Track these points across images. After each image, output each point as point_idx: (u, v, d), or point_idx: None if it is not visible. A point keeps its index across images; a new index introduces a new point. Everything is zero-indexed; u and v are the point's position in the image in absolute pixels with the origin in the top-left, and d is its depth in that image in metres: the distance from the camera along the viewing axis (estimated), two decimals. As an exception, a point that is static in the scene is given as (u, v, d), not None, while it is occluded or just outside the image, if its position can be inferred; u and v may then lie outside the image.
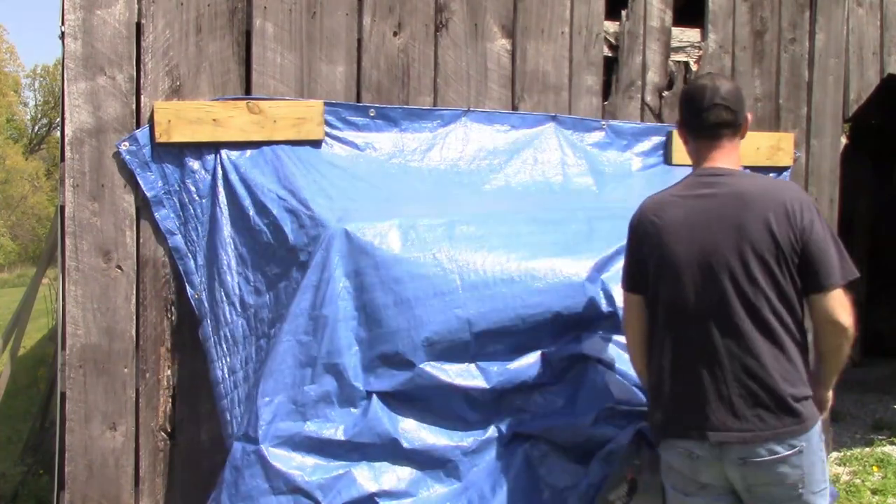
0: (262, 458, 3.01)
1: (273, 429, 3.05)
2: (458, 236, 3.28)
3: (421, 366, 3.10)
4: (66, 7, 3.33)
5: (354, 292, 3.16)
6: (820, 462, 2.55)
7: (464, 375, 3.16)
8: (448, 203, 3.49)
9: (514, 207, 3.59)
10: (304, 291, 3.17)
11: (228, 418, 3.28)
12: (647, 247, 2.65)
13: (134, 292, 3.45)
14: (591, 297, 3.30)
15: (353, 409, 3.08)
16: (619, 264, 3.13)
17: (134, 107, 3.43)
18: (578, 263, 3.34)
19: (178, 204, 3.45)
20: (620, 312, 3.08)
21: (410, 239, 3.23)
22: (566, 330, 3.30)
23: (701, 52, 4.36)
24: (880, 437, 6.57)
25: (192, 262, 3.45)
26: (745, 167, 4.30)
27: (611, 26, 4.21)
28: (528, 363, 3.25)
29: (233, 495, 3.07)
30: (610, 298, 3.30)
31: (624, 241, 2.87)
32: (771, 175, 4.39)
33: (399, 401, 3.15)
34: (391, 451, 3.12)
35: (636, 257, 2.71)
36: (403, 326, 3.11)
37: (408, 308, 3.14)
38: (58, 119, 30.33)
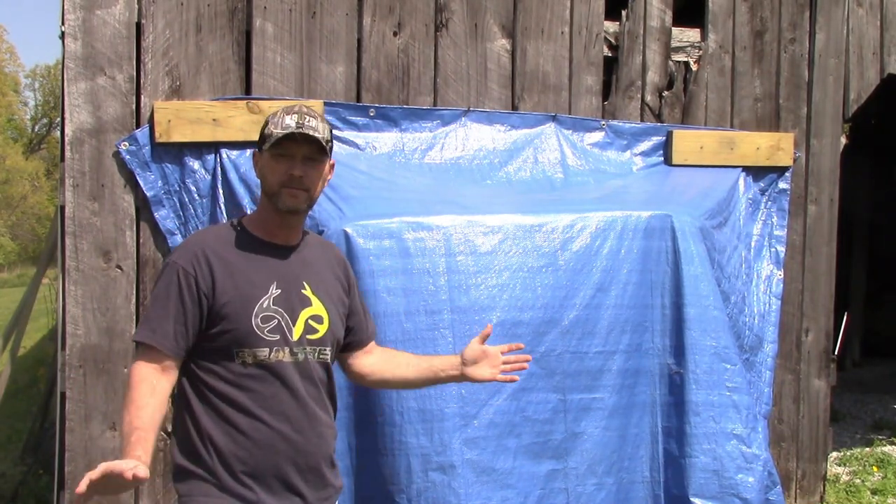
0: None
1: None
2: (456, 252, 3.30)
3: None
4: (66, 7, 3.33)
5: None
6: None
7: (443, 399, 3.20)
8: (448, 203, 3.50)
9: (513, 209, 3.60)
10: None
11: None
12: None
13: (134, 292, 3.45)
14: None
15: None
16: None
17: (134, 107, 3.43)
18: None
19: (178, 204, 3.45)
20: None
21: (407, 248, 3.24)
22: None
23: (701, 52, 4.36)
24: (880, 437, 6.57)
25: (192, 262, 3.45)
26: (746, 167, 4.36)
27: (611, 26, 4.21)
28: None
29: None
30: None
31: None
32: (769, 175, 4.40)
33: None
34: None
35: None
36: (390, 339, 3.13)
37: (396, 321, 3.18)
38: (58, 119, 30.26)
